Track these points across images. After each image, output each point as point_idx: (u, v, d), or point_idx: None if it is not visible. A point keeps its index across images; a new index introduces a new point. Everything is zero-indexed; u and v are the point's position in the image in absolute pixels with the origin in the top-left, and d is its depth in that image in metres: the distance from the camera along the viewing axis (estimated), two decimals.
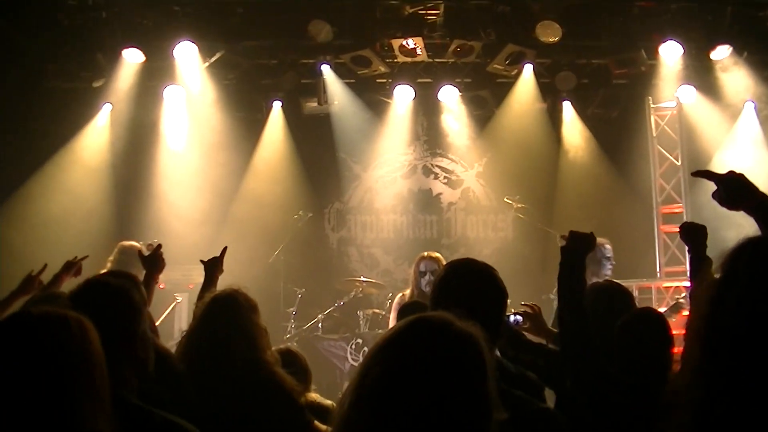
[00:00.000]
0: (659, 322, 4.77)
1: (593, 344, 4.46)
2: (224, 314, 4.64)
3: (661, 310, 8.40)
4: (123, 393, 3.17)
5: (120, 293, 3.51)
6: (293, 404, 4.61)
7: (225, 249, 6.19)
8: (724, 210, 3.61)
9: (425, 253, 8.82)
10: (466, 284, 3.78)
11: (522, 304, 5.92)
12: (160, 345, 4.80)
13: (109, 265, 9.01)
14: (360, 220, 14.27)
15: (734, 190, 3.55)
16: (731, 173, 3.58)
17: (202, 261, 6.03)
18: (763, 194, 3.47)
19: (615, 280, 6.16)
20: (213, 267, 5.97)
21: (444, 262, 8.39)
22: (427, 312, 2.53)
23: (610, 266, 8.97)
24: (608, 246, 9.05)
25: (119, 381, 3.13)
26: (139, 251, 6.49)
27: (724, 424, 2.02)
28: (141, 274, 7.73)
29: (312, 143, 13.84)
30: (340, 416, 2.31)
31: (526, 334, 5.75)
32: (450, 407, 2.20)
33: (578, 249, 4.69)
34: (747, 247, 2.18)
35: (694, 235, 4.88)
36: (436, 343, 2.29)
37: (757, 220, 3.38)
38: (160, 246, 6.04)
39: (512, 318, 5.70)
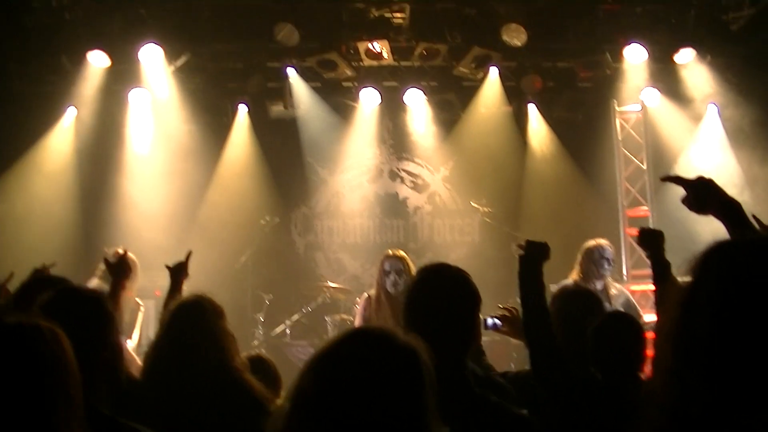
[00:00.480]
0: (633, 323, 4.82)
1: (559, 347, 4.48)
2: (191, 321, 4.61)
3: None
4: (94, 403, 3.14)
5: (91, 302, 3.48)
6: (263, 411, 4.58)
7: (190, 253, 6.16)
8: (690, 213, 3.63)
9: (390, 252, 8.59)
10: (439, 289, 3.78)
11: (499, 307, 5.91)
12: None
13: (98, 273, 9.06)
14: (326, 225, 14.24)
15: (703, 194, 3.57)
16: (700, 178, 3.61)
17: (167, 266, 6.00)
18: (731, 198, 3.50)
19: (581, 284, 6.17)
20: (178, 272, 5.95)
21: (409, 261, 8.37)
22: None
23: (608, 266, 8.98)
24: (609, 248, 9.07)
25: (91, 391, 3.10)
26: (105, 258, 6.43)
27: (700, 424, 2.02)
28: (135, 283, 7.79)
29: (278, 147, 13.81)
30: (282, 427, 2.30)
31: (505, 336, 5.78)
32: (384, 422, 2.20)
33: (534, 257, 4.72)
34: (717, 250, 2.19)
35: (651, 240, 4.94)
36: (373, 355, 2.30)
37: (725, 224, 3.40)
38: (126, 253, 5.99)
39: (490, 321, 5.70)
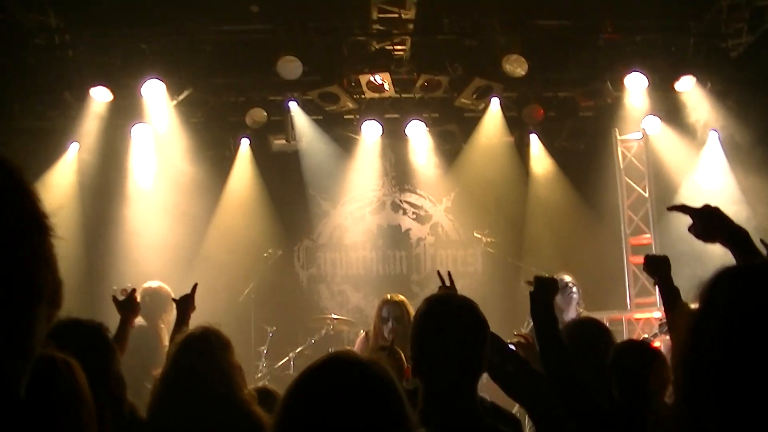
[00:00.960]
0: (649, 350, 4.84)
1: (577, 376, 4.47)
2: (198, 353, 4.58)
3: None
4: None
5: (94, 333, 3.48)
6: None
7: (195, 286, 6.16)
8: (694, 240, 3.65)
9: (388, 296, 8.16)
10: (447, 318, 3.77)
11: (514, 334, 5.93)
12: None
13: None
14: (329, 257, 14.22)
15: (709, 223, 3.60)
16: (706, 207, 3.63)
17: (173, 299, 5.99)
18: (738, 226, 3.51)
19: (591, 317, 6.16)
20: (185, 304, 5.95)
21: (409, 306, 8.14)
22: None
23: (572, 294, 8.99)
24: (562, 276, 9.08)
25: (97, 419, 3.10)
26: (113, 296, 6.39)
27: None
28: (171, 315, 7.77)
29: (280, 180, 13.81)
30: None
31: None
32: None
33: (544, 293, 4.71)
34: (724, 275, 2.20)
35: (658, 267, 4.94)
36: (346, 381, 2.34)
37: (732, 252, 3.42)
38: (134, 291, 5.99)
39: None
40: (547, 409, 4.57)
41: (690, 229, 3.63)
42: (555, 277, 8.92)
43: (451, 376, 3.59)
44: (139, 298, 8.73)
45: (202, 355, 4.58)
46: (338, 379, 2.34)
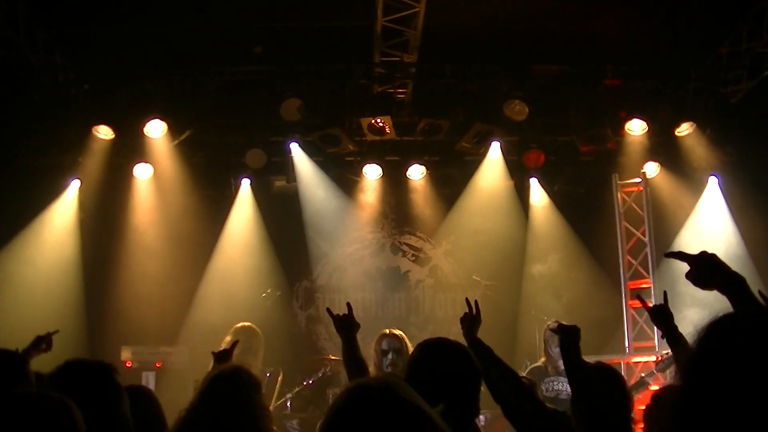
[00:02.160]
0: (616, 377, 4.89)
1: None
2: (229, 392, 4.54)
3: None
4: None
5: (100, 374, 3.47)
6: None
7: (236, 343, 6.23)
8: (692, 286, 3.67)
9: (387, 330, 8.40)
10: (440, 364, 3.77)
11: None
12: None
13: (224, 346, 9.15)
14: (328, 298, 14.19)
15: (706, 270, 3.62)
16: (703, 253, 3.66)
17: (213, 352, 6.02)
18: (734, 273, 3.53)
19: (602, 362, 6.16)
20: (222, 359, 5.94)
21: (406, 340, 8.23)
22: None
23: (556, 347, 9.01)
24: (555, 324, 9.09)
25: None
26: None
27: None
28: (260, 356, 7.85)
29: (280, 221, 13.82)
30: None
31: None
32: None
33: (570, 340, 4.89)
34: (720, 323, 2.21)
35: (663, 317, 5.00)
36: (378, 412, 2.27)
37: (729, 299, 3.43)
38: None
39: None
40: None
41: (687, 275, 3.65)
42: (553, 324, 8.98)
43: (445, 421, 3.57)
44: (229, 337, 9.12)
45: (233, 392, 4.54)
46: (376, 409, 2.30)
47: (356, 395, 2.33)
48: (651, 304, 5.34)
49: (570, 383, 4.98)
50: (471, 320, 5.53)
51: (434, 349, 3.96)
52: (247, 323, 10.09)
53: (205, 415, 4.50)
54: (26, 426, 2.54)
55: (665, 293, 5.31)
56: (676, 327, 4.94)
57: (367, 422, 2.24)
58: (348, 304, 5.83)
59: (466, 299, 5.70)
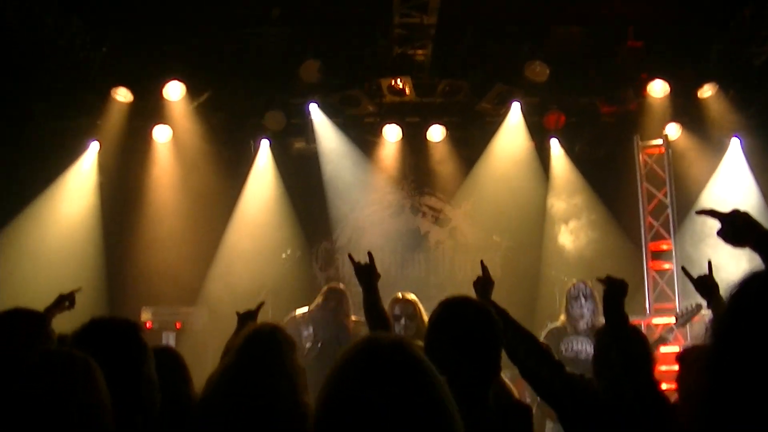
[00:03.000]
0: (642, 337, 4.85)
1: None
2: (267, 351, 4.50)
3: None
4: None
5: (125, 333, 3.44)
6: None
7: (262, 304, 6.18)
8: (714, 246, 3.65)
9: (399, 295, 8.31)
10: (462, 323, 3.74)
11: None
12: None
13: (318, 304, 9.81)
14: (347, 259, 14.17)
15: (739, 228, 3.58)
16: (735, 211, 3.62)
17: (237, 312, 5.97)
18: (766, 231, 3.49)
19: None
20: (247, 320, 5.89)
21: (419, 305, 8.19)
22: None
23: (584, 303, 8.95)
24: (580, 284, 9.04)
25: (125, 423, 3.09)
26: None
27: None
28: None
29: (300, 182, 13.81)
30: None
31: None
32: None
33: (616, 293, 4.82)
34: (754, 281, 2.18)
35: (708, 287, 5.04)
36: (387, 367, 2.25)
37: (762, 256, 3.40)
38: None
39: None
40: (579, 415, 4.55)
41: (719, 233, 3.61)
42: (572, 285, 8.95)
43: (465, 381, 3.53)
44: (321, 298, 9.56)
45: (270, 352, 4.50)
46: (380, 362, 2.27)
47: (367, 349, 2.31)
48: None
49: (603, 340, 4.90)
50: (484, 283, 5.50)
51: (456, 307, 3.92)
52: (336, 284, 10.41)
53: (244, 376, 4.47)
54: (46, 384, 2.54)
55: (710, 263, 5.26)
56: (721, 297, 4.90)
57: (376, 376, 2.22)
58: (369, 253, 5.70)
59: (481, 262, 5.67)
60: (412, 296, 8.30)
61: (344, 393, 2.24)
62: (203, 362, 5.24)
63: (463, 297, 4.03)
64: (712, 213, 3.69)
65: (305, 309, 10.04)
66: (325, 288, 10.36)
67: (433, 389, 2.24)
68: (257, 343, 4.50)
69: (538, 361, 4.70)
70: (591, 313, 8.97)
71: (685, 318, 9.28)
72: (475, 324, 3.74)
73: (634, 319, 10.60)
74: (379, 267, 5.58)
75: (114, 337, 3.40)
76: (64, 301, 6.10)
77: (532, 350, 4.71)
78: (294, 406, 4.38)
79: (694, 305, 9.38)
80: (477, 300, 3.98)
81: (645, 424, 4.31)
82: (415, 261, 14.13)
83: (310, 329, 9.82)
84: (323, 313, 9.88)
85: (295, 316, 9.95)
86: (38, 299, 5.93)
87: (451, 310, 3.90)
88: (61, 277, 11.07)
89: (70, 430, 2.49)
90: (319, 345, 9.65)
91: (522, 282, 13.10)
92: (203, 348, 10.17)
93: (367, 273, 5.62)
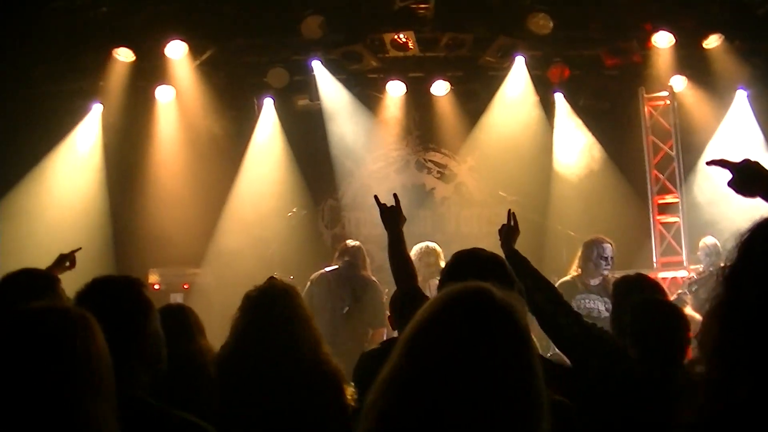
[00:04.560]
0: (675, 309, 4.73)
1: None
2: (285, 306, 4.55)
3: None
4: (135, 392, 3.14)
5: (127, 290, 3.43)
6: (344, 406, 4.54)
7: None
8: (720, 198, 3.63)
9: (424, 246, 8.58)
10: (475, 274, 3.66)
11: None
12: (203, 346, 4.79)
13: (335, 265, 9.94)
14: (354, 216, 14.20)
15: (750, 177, 3.54)
16: (746, 161, 3.57)
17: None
18: None
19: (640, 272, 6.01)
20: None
21: (440, 252, 8.26)
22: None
23: (606, 266, 8.94)
24: (607, 244, 9.02)
25: (131, 380, 3.11)
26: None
27: (746, 407, 1.98)
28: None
29: (304, 140, 13.77)
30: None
31: None
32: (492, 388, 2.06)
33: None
34: (762, 227, 2.15)
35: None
36: (481, 317, 2.15)
37: None
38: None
39: None
40: (595, 365, 4.52)
41: (730, 183, 3.57)
42: (598, 240, 8.94)
43: None
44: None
45: (289, 308, 4.54)
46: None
47: (458, 300, 2.21)
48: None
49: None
50: (508, 231, 5.46)
51: (469, 257, 3.89)
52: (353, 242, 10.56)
53: (265, 329, 4.51)
54: (42, 340, 2.53)
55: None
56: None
57: (471, 329, 2.12)
58: (395, 195, 5.60)
59: (509, 210, 5.62)
60: (432, 245, 8.97)
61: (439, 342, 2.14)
62: (210, 322, 5.23)
63: (474, 248, 4.00)
64: (722, 163, 3.65)
65: (334, 267, 10.06)
66: (342, 245, 10.40)
67: (524, 341, 2.17)
68: (274, 301, 4.57)
69: (556, 308, 4.67)
70: (603, 272, 9.00)
71: (699, 283, 9.30)
72: (489, 273, 3.67)
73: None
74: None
75: (116, 293, 3.39)
76: (65, 261, 6.09)
77: (550, 298, 4.69)
78: (315, 362, 4.44)
79: (706, 271, 9.39)
80: (489, 251, 3.93)
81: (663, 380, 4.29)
82: (421, 217, 14.08)
83: (348, 288, 9.88)
84: (348, 268, 10.00)
85: (324, 273, 9.99)
86: (44, 262, 5.93)
87: (462, 260, 3.86)
88: (66, 240, 11.01)
89: (65, 382, 2.48)
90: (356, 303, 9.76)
91: (528, 236, 13.02)
92: (210, 307, 10.17)
93: (393, 215, 5.56)
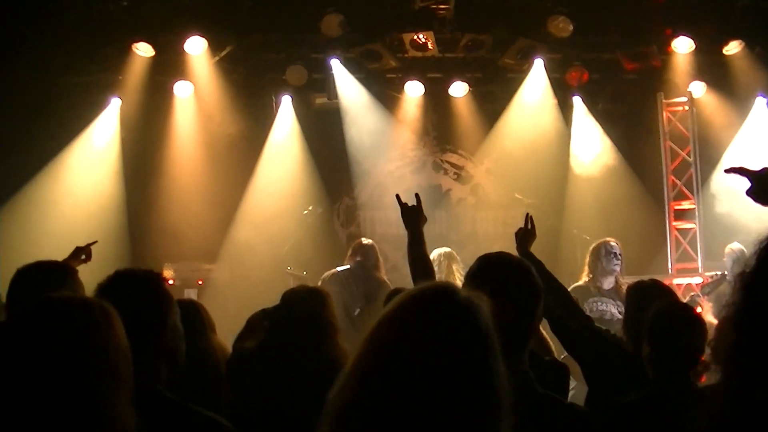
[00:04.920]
0: (695, 317, 4.68)
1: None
2: (310, 310, 4.57)
3: None
4: (154, 385, 3.15)
5: (148, 283, 3.44)
6: None
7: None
8: (736, 205, 3.62)
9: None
10: (500, 278, 3.61)
11: None
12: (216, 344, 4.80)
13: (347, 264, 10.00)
14: (369, 215, 14.20)
15: None
16: (765, 169, 3.55)
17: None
18: None
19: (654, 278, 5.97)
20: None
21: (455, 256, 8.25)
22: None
23: (616, 261, 8.91)
24: (613, 242, 9.00)
25: (150, 373, 3.12)
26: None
27: (762, 414, 1.97)
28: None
29: (321, 138, 13.78)
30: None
31: None
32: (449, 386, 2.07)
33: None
34: None
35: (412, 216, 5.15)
36: (438, 314, 2.15)
37: None
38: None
39: None
40: (605, 369, 4.51)
41: (748, 191, 3.54)
42: (602, 241, 8.93)
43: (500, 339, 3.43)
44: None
45: (312, 312, 4.57)
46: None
47: (419, 297, 2.22)
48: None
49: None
50: (525, 233, 5.44)
51: (494, 261, 3.81)
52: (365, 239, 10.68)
53: (290, 333, 4.52)
54: (62, 331, 2.53)
55: None
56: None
57: (427, 325, 2.13)
58: (417, 195, 5.47)
59: (527, 214, 5.60)
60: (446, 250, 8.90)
61: (395, 342, 2.14)
62: (225, 318, 5.24)
63: (500, 252, 3.94)
64: (742, 171, 3.62)
65: (347, 266, 10.08)
66: (355, 243, 10.44)
67: (482, 340, 2.17)
68: (301, 304, 4.58)
69: (569, 312, 4.66)
70: (615, 274, 8.96)
71: (712, 286, 9.26)
72: (514, 277, 3.62)
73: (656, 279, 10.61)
74: (401, 225, 5.43)
75: (138, 286, 3.40)
76: (81, 254, 6.11)
77: (562, 302, 4.67)
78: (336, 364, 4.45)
79: (719, 274, 9.34)
80: (515, 256, 3.87)
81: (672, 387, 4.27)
82: (437, 218, 14.06)
83: (360, 288, 9.90)
84: (360, 268, 10.05)
85: (337, 272, 10.00)
86: (61, 255, 5.94)
87: (488, 263, 3.80)
88: (83, 233, 11.06)
89: (83, 371, 2.49)
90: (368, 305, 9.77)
91: (543, 240, 13.00)
92: (224, 303, 10.19)
93: (414, 215, 5.41)
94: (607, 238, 9.15)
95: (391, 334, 2.15)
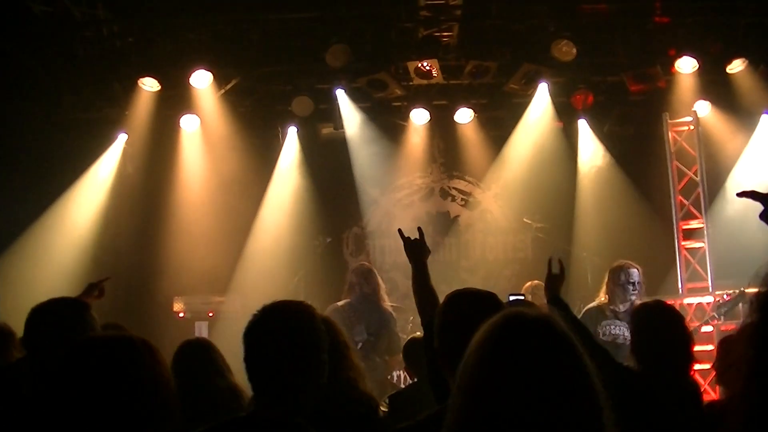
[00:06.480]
0: (675, 315, 4.74)
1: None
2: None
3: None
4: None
5: (303, 318, 3.52)
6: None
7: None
8: (745, 225, 3.63)
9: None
10: (468, 315, 3.57)
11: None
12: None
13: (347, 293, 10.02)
14: (378, 244, 14.21)
15: None
16: None
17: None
18: None
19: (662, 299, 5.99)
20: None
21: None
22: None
23: (633, 291, 8.85)
24: (634, 269, 8.93)
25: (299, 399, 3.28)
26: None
27: None
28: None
29: (329, 168, 13.83)
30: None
31: None
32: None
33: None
34: None
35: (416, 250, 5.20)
36: (535, 344, 2.18)
37: None
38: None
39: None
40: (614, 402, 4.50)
41: (761, 215, 3.55)
42: (624, 265, 8.89)
43: None
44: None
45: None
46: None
47: (514, 326, 2.24)
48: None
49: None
50: (554, 279, 5.44)
51: (460, 299, 3.77)
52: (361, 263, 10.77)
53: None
54: (111, 369, 2.55)
55: None
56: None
57: (525, 354, 2.16)
58: (419, 228, 5.48)
59: (549, 259, 5.57)
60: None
61: (492, 370, 2.17)
62: (236, 350, 5.23)
63: (469, 288, 3.90)
64: (753, 194, 3.63)
65: (346, 300, 10.08)
66: (352, 269, 10.46)
67: (580, 368, 2.19)
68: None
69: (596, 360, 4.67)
70: (635, 299, 8.91)
71: (729, 306, 9.24)
72: (483, 313, 3.59)
73: (666, 299, 10.61)
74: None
75: (293, 320, 3.57)
76: (94, 290, 6.13)
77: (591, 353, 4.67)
78: (354, 390, 4.48)
79: (737, 292, 9.31)
80: (484, 290, 3.83)
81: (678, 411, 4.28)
82: (446, 245, 14.10)
83: (363, 321, 9.88)
84: (362, 300, 10.01)
85: (338, 307, 9.98)
86: (71, 290, 5.96)
87: (456, 299, 3.76)
88: (93, 268, 11.14)
89: (132, 408, 2.52)
90: (371, 337, 9.74)
91: None
92: (236, 335, 10.19)
93: (417, 248, 5.41)
94: (628, 263, 9.01)
95: (495, 367, 2.18)
